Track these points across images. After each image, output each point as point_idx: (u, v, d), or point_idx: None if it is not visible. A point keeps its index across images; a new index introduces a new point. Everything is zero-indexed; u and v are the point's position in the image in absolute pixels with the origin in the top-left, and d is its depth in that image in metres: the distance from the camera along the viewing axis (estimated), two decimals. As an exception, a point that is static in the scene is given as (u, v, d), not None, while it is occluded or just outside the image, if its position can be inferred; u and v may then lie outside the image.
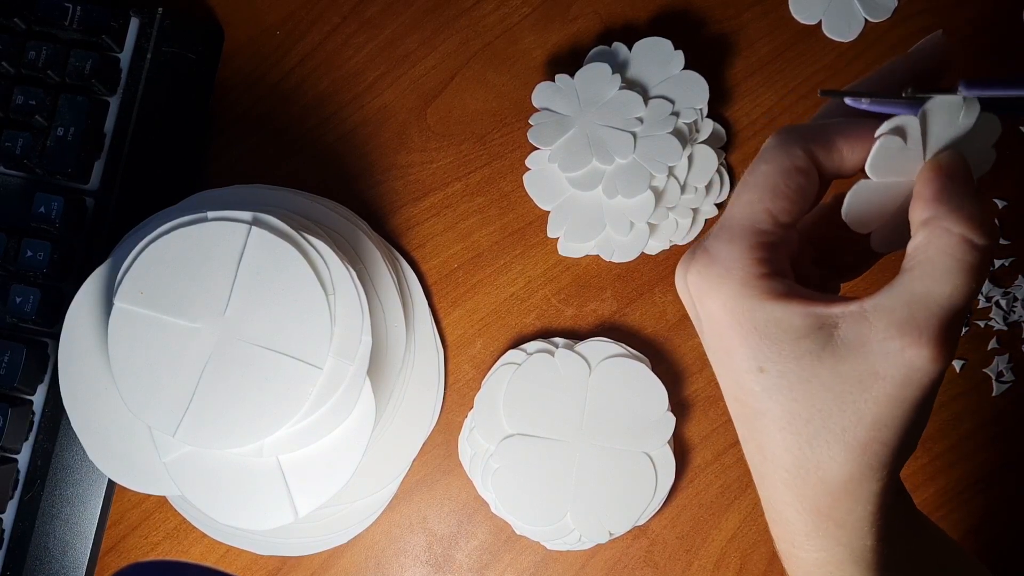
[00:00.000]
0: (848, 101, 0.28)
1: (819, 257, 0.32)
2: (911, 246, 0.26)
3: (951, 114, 0.27)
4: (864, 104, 0.28)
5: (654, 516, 0.47)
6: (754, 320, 0.27)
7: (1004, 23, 0.51)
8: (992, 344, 0.49)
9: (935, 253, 0.26)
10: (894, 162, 0.27)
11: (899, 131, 0.27)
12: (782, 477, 0.28)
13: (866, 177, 0.28)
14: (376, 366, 0.44)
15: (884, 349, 0.25)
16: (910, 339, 0.25)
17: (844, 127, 0.28)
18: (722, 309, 0.27)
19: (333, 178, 0.51)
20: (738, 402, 0.28)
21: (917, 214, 0.27)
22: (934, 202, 0.26)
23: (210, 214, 0.42)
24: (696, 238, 0.50)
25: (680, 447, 0.49)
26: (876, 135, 0.27)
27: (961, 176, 0.26)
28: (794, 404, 0.27)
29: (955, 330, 0.26)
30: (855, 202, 0.28)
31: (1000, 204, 0.50)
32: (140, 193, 0.49)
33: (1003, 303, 0.49)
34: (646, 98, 0.47)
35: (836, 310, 0.26)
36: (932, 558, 0.31)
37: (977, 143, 0.27)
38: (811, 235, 0.32)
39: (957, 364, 0.49)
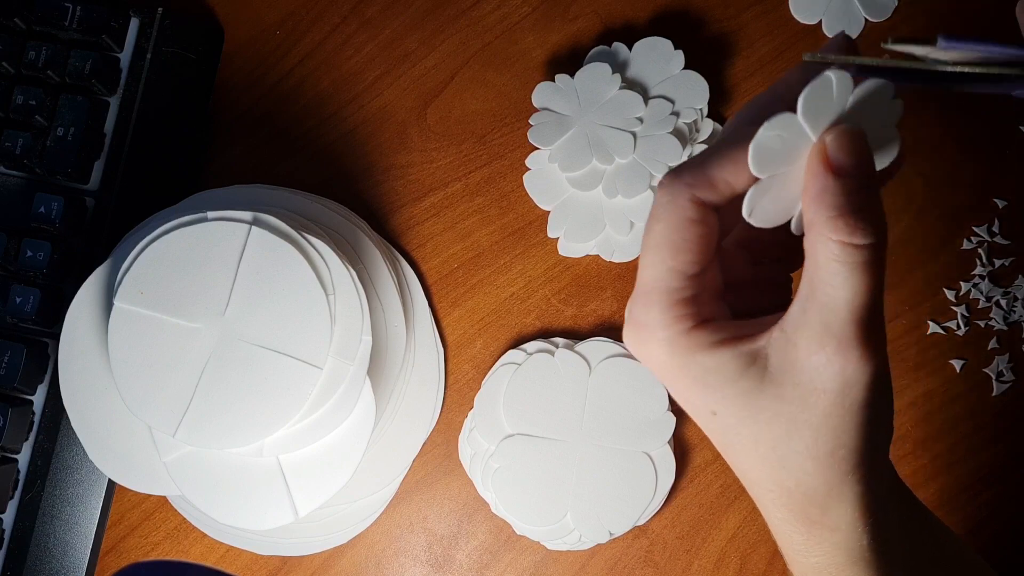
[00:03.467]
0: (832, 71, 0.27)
1: (754, 256, 0.32)
2: (805, 245, 0.26)
3: (829, 89, 0.25)
4: (851, 73, 0.27)
5: (654, 516, 0.47)
6: (690, 374, 0.27)
7: (1003, 23, 0.51)
8: (992, 344, 0.49)
9: (823, 260, 0.26)
10: (778, 155, 0.26)
11: (779, 125, 0.26)
12: (769, 497, 0.28)
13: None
14: (376, 366, 0.44)
15: (813, 365, 0.26)
16: (831, 349, 0.25)
17: (718, 156, 0.27)
18: (660, 368, 0.28)
19: (333, 178, 0.51)
20: (711, 439, 0.29)
21: (804, 210, 0.26)
22: (815, 203, 0.26)
23: (210, 214, 0.42)
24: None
25: (680, 447, 0.49)
26: (754, 138, 0.26)
27: (846, 164, 0.26)
28: (755, 436, 0.27)
29: (873, 326, 0.26)
30: (755, 205, 0.27)
31: (1000, 204, 0.50)
32: (140, 193, 0.49)
33: (1003, 303, 0.49)
34: (646, 98, 0.47)
35: (762, 342, 0.27)
36: (931, 550, 0.31)
37: (876, 121, 0.26)
38: (740, 239, 0.32)
39: (957, 364, 0.49)
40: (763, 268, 0.32)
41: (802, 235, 0.28)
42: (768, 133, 0.26)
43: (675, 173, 0.28)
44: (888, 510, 0.28)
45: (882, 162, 0.28)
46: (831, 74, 0.25)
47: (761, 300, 0.31)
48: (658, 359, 0.28)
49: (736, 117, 0.30)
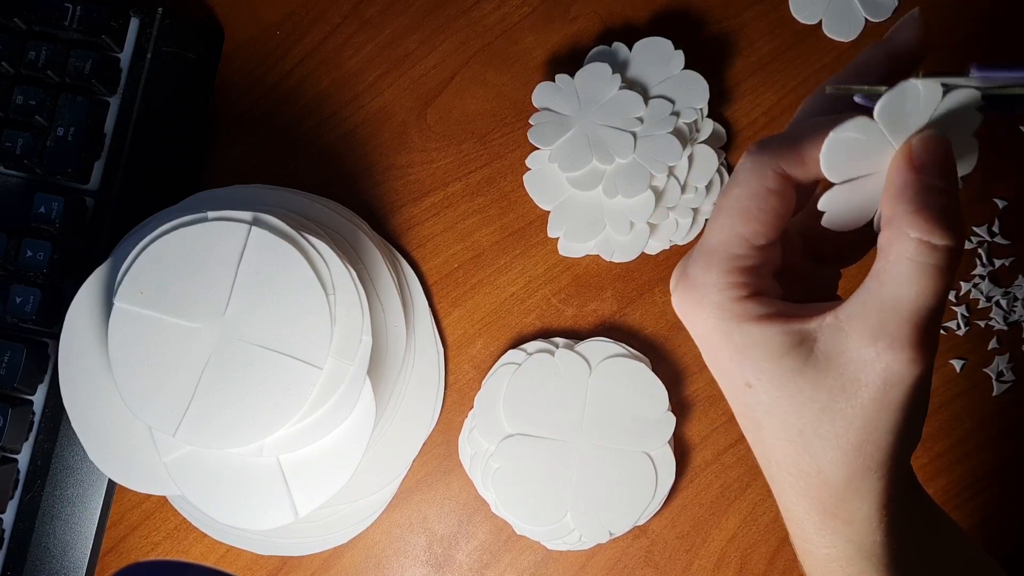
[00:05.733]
0: (857, 99, 0.27)
1: (811, 249, 0.32)
2: (879, 242, 0.26)
3: (916, 98, 0.26)
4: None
5: (654, 516, 0.47)
6: (734, 343, 0.27)
7: (1004, 23, 0.51)
8: (992, 344, 0.49)
9: (896, 257, 0.25)
10: (854, 159, 0.26)
11: (857, 127, 0.26)
12: (788, 480, 0.28)
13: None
14: (376, 366, 0.44)
15: (861, 357, 0.26)
16: (884, 345, 0.25)
17: (812, 132, 0.27)
18: (705, 331, 0.28)
19: (333, 178, 0.51)
20: (738, 413, 0.29)
21: (883, 207, 0.26)
22: (895, 199, 0.26)
23: (210, 214, 0.42)
24: (695, 240, 0.50)
25: (680, 447, 0.49)
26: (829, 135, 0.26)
27: (932, 166, 0.26)
28: (785, 416, 0.27)
29: (930, 330, 0.26)
30: (832, 207, 0.27)
31: (1000, 204, 0.50)
32: (140, 193, 0.49)
33: (1003, 303, 0.49)
34: (646, 98, 0.47)
35: (813, 324, 0.27)
36: (943, 550, 0.31)
37: (955, 130, 0.27)
38: (801, 229, 0.32)
39: (957, 364, 0.49)
40: (817, 262, 0.32)
41: (860, 237, 0.29)
42: (841, 140, 0.26)
43: (764, 143, 0.28)
44: (904, 511, 0.28)
45: (961, 170, 0.28)
46: (918, 83, 0.25)
47: (806, 292, 0.31)
48: (704, 321, 0.28)
49: (816, 99, 0.30)
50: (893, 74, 0.29)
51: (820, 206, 0.28)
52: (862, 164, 0.27)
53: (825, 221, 0.28)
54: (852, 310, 0.26)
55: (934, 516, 0.32)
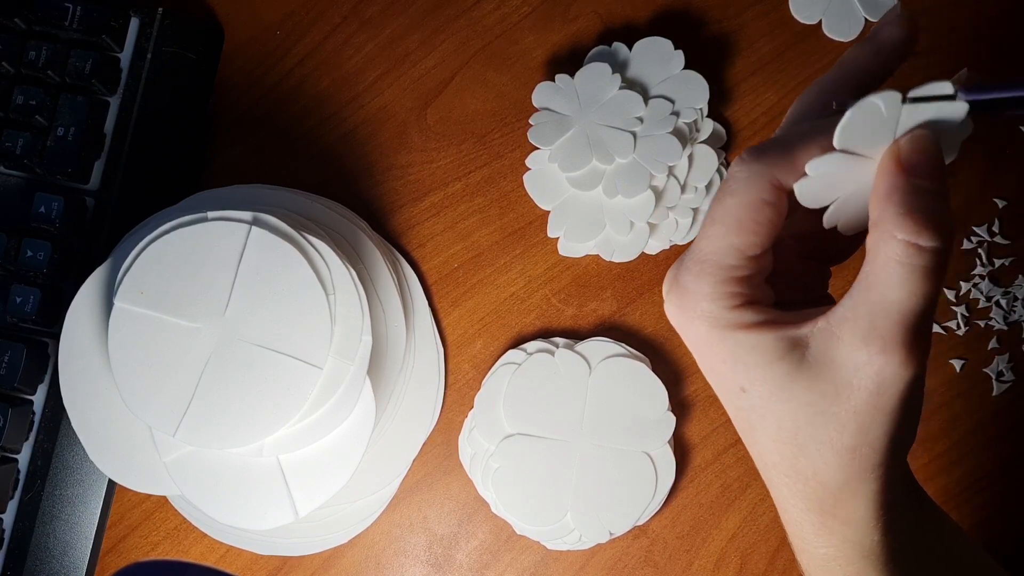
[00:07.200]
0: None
1: (806, 250, 0.32)
2: (867, 243, 0.26)
3: (878, 114, 0.26)
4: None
5: (654, 516, 0.47)
6: (727, 348, 0.27)
7: (1004, 23, 0.51)
8: (992, 344, 0.49)
9: (884, 260, 0.25)
10: (865, 133, 0.26)
11: (873, 105, 0.26)
12: (784, 482, 0.28)
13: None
14: (376, 366, 0.44)
15: (853, 361, 0.26)
16: (875, 348, 0.25)
17: (807, 140, 0.27)
18: (698, 338, 0.28)
19: (333, 178, 0.51)
20: (733, 416, 0.29)
21: (871, 209, 0.26)
22: (883, 200, 0.26)
23: (210, 214, 0.42)
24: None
25: (680, 447, 0.49)
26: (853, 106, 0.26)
27: (922, 168, 0.25)
28: (779, 420, 0.27)
29: (921, 331, 0.25)
30: (813, 175, 0.27)
31: (1000, 204, 0.50)
32: (140, 193, 0.49)
33: (1003, 303, 0.49)
34: (646, 98, 0.47)
35: (805, 330, 0.27)
36: (943, 549, 0.31)
37: (947, 137, 0.27)
38: (797, 231, 0.32)
39: (957, 364, 0.49)
40: (808, 262, 0.32)
41: (861, 238, 0.29)
42: (866, 109, 0.25)
43: (759, 151, 0.27)
44: (902, 510, 0.28)
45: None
46: (879, 100, 0.25)
47: (798, 291, 0.31)
48: (696, 329, 0.28)
49: (806, 101, 0.29)
50: (883, 70, 0.29)
51: (826, 222, 0.28)
52: (865, 141, 0.26)
53: (798, 190, 0.27)
54: (842, 314, 0.26)
55: (933, 515, 0.32)
